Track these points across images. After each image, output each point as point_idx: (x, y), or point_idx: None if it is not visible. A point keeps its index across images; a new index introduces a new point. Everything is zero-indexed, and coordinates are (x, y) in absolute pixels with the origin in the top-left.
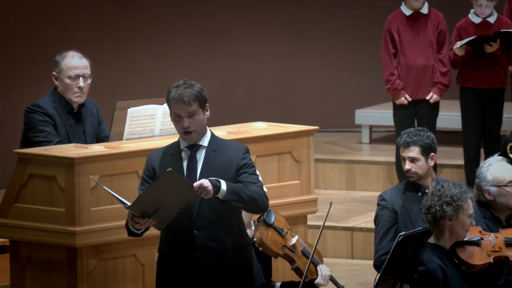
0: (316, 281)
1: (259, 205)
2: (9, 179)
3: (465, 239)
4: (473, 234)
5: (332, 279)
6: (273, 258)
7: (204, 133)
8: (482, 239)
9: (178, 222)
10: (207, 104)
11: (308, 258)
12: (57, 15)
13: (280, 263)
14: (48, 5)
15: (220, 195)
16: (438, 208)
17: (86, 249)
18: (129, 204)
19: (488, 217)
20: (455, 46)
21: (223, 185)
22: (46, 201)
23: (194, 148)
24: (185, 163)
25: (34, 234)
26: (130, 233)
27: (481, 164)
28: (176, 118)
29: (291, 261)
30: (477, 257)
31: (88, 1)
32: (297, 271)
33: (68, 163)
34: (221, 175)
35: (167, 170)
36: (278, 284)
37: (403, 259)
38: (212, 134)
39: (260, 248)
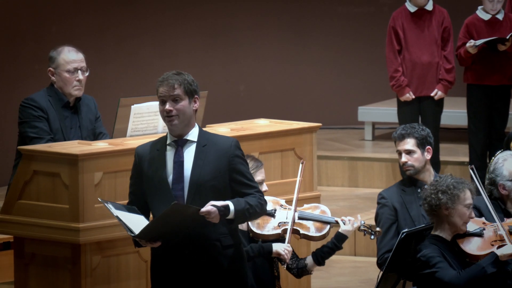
0: (341, 229)
1: (260, 214)
2: (14, 176)
3: (466, 231)
4: (476, 225)
5: (364, 227)
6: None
7: (191, 126)
8: (484, 229)
9: None
10: (196, 96)
11: (307, 220)
12: (61, 13)
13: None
14: (52, 3)
15: (227, 218)
16: (433, 197)
17: (89, 246)
18: (136, 233)
19: (497, 210)
20: (468, 44)
21: (231, 214)
22: (50, 197)
23: (180, 142)
24: (171, 159)
25: (38, 231)
26: (137, 244)
27: (494, 159)
28: (161, 103)
29: (296, 232)
30: (480, 248)
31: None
32: (306, 237)
33: (72, 160)
34: (213, 172)
35: (173, 203)
36: (309, 258)
37: (406, 256)
38: (200, 129)
39: (260, 240)
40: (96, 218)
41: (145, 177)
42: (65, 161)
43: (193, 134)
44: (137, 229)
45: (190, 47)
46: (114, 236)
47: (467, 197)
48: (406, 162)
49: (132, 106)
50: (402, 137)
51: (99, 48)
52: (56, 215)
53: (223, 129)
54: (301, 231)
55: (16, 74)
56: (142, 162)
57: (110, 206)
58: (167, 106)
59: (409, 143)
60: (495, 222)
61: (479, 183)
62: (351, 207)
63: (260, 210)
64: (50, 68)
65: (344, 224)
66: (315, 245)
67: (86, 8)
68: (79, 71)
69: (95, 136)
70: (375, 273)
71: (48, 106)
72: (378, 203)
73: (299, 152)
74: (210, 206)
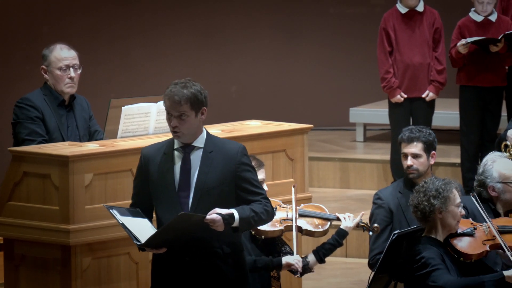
0: (343, 225)
1: (266, 221)
2: (4, 177)
3: (458, 231)
4: (465, 225)
5: (362, 223)
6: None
7: (197, 134)
8: (475, 229)
9: None
10: (204, 108)
11: (308, 217)
12: (53, 14)
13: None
14: (43, 3)
15: (232, 226)
16: (426, 204)
17: (80, 247)
18: (142, 242)
19: (487, 211)
20: (459, 43)
21: (236, 222)
22: (40, 199)
23: (188, 149)
24: (178, 165)
25: (28, 232)
26: (142, 249)
27: (483, 161)
28: (167, 115)
29: (298, 228)
30: (473, 247)
31: (84, 0)
32: (308, 233)
33: (62, 161)
34: (219, 179)
35: (180, 214)
36: (311, 256)
37: (397, 258)
38: (208, 134)
39: (263, 236)
40: (86, 220)
41: (151, 180)
42: (55, 162)
43: (200, 141)
44: (142, 236)
45: (181, 48)
46: (105, 237)
47: (456, 196)
48: (411, 165)
49: (122, 107)
50: (410, 140)
51: (91, 49)
52: (46, 216)
53: (215, 130)
54: (304, 227)
55: (7, 75)
56: (149, 165)
57: (115, 213)
58: (173, 123)
59: (417, 147)
60: (483, 222)
61: (483, 210)
62: (342, 208)
63: (266, 217)
64: (43, 66)
65: (345, 219)
66: (307, 243)
67: (78, 9)
68: (71, 69)
69: (91, 134)
70: (367, 274)
71: (43, 105)
72: (374, 203)
73: (290, 154)
74: (214, 215)
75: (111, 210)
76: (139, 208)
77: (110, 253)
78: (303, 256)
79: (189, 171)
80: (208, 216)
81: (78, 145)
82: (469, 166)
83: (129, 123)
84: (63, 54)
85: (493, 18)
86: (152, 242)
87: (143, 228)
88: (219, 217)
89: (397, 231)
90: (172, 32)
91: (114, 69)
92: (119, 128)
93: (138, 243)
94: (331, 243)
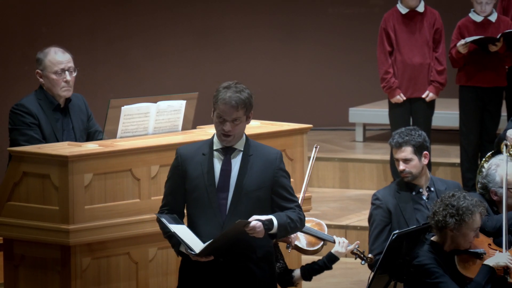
0: (334, 250)
1: (299, 229)
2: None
3: (469, 250)
4: (480, 245)
5: (357, 251)
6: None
7: (241, 137)
8: (485, 253)
9: (209, 229)
10: (252, 112)
11: (305, 233)
12: (51, 14)
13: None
14: (42, 3)
15: (270, 233)
16: (441, 218)
17: (79, 247)
18: (196, 251)
19: (489, 213)
20: (459, 43)
21: (275, 228)
22: (39, 199)
23: (229, 151)
24: (218, 166)
25: (28, 232)
26: (181, 254)
27: (487, 164)
28: (219, 119)
29: (288, 241)
30: (474, 271)
31: (82, 0)
32: (298, 248)
33: (62, 161)
34: (258, 183)
35: (237, 221)
36: (297, 271)
37: (397, 258)
38: (247, 138)
39: None
40: (86, 220)
41: (189, 180)
42: (55, 162)
43: (240, 143)
44: (189, 243)
45: (180, 48)
46: (104, 237)
47: (475, 222)
48: (404, 169)
49: (122, 108)
50: (399, 146)
51: (89, 49)
52: (46, 216)
53: (214, 131)
54: (294, 242)
55: (6, 75)
56: (187, 164)
57: (165, 222)
58: (227, 128)
59: (406, 151)
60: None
61: (505, 237)
62: (342, 208)
63: (300, 225)
64: (38, 70)
65: (339, 244)
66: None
67: (76, 9)
68: (67, 72)
69: (92, 135)
70: (366, 275)
71: (38, 110)
72: (372, 203)
73: (290, 154)
74: (255, 221)
75: (162, 219)
76: (171, 208)
77: (109, 253)
78: (290, 269)
79: (229, 173)
80: (251, 224)
81: (77, 145)
82: (469, 166)
83: (128, 123)
84: (58, 58)
85: (493, 18)
86: (206, 251)
87: (187, 235)
88: (259, 223)
89: (397, 231)
90: (171, 32)
91: (113, 69)
92: (118, 128)
93: (193, 252)
94: (320, 265)
